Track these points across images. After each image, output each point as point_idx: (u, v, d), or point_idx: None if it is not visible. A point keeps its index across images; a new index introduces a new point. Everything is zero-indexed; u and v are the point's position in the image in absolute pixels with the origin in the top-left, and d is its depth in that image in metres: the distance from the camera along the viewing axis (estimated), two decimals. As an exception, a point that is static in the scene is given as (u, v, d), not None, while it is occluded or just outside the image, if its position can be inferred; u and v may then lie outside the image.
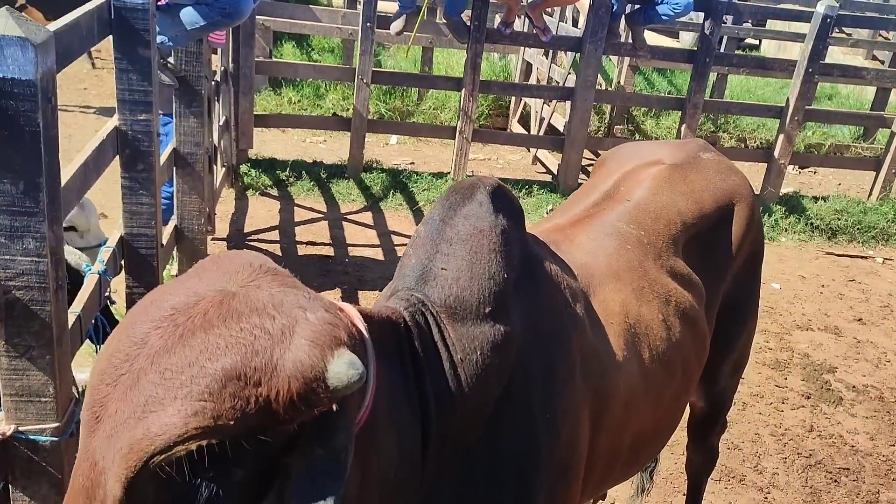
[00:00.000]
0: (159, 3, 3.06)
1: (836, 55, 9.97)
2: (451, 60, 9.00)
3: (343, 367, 0.94)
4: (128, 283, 2.69)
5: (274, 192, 5.78)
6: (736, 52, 10.00)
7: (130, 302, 2.67)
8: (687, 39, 12.77)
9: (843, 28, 10.08)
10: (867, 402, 4.06)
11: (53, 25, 1.98)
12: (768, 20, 10.92)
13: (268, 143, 6.81)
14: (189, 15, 2.96)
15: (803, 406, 3.98)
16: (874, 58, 10.56)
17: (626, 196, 2.14)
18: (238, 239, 4.99)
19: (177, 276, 3.97)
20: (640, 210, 2.09)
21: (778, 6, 7.31)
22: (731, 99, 9.00)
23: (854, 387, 4.18)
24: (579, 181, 6.48)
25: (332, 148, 7.14)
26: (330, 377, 0.93)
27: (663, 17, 5.75)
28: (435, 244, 1.49)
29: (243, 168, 5.81)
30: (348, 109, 7.48)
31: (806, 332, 4.74)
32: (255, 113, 5.82)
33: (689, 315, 2.04)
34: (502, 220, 1.53)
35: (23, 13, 5.34)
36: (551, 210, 6.02)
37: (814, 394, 4.08)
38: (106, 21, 2.37)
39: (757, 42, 12.36)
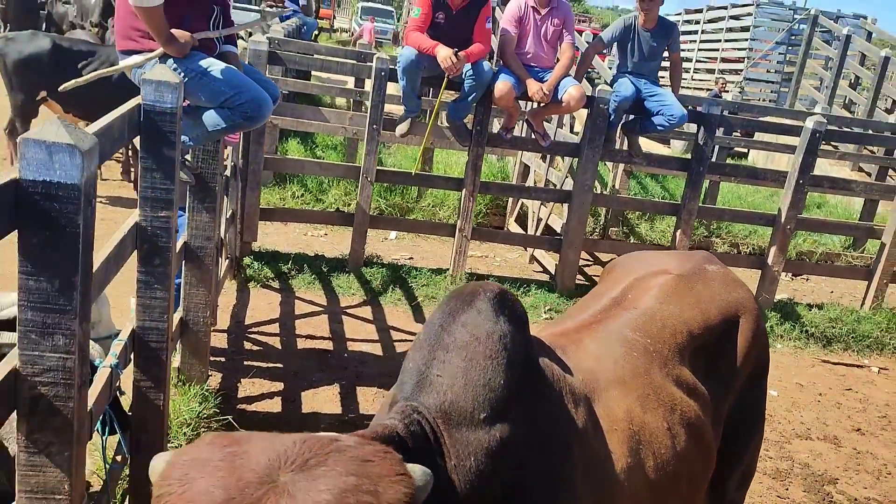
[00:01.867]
0: (183, 105, 3.19)
1: (824, 166, 10.30)
2: (449, 160, 9.29)
3: (421, 475, 1.13)
4: (136, 377, 2.69)
5: (275, 284, 5.83)
6: (727, 159, 10.33)
7: (138, 394, 2.67)
8: (678, 146, 13.24)
9: (832, 142, 10.46)
10: (870, 516, 4.01)
11: (91, 129, 2.06)
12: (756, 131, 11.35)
13: (270, 236, 6.91)
14: (211, 117, 3.08)
15: (805, 518, 3.93)
16: (860, 169, 10.91)
17: (633, 304, 2.19)
18: (238, 331, 5.00)
19: (178, 368, 3.97)
20: (647, 318, 2.14)
21: (766, 119, 7.60)
22: (723, 204, 9.25)
23: (856, 499, 4.13)
24: (577, 282, 6.57)
25: (332, 241, 7.25)
26: (418, 489, 1.11)
27: (658, 128, 5.98)
28: (432, 350, 1.55)
29: (246, 260, 5.88)
30: (350, 204, 7.65)
31: (805, 441, 4.71)
32: (260, 207, 5.93)
33: (695, 425, 2.06)
34: (502, 326, 1.59)
35: (43, 104, 5.46)
36: (549, 310, 6.07)
37: (816, 506, 4.03)
38: (136, 123, 2.47)
39: (745, 150, 12.78)
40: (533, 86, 5.66)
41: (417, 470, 1.13)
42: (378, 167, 5.98)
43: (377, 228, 6.82)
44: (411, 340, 5.33)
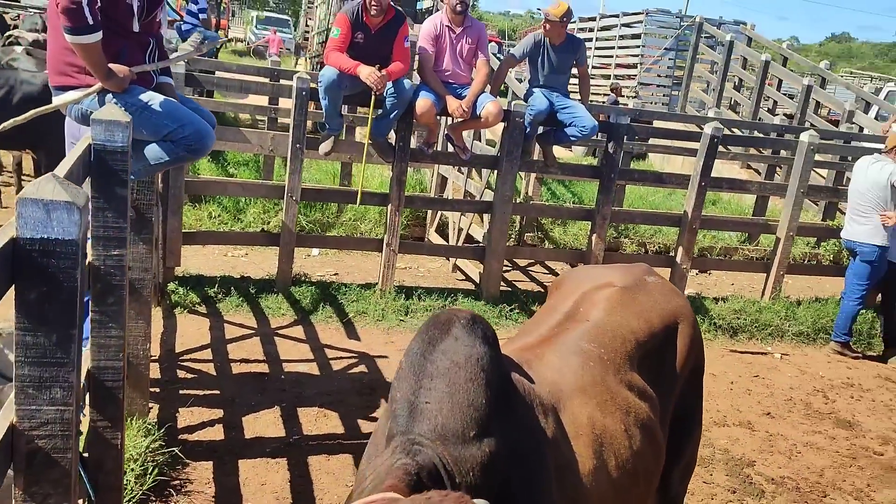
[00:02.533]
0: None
1: (716, 166, 10.97)
2: (365, 173, 9.35)
3: None
4: (92, 417, 2.66)
5: (202, 309, 5.75)
6: (631, 161, 10.87)
7: (95, 434, 2.65)
8: (579, 151, 13.76)
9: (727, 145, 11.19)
10: (786, 493, 4.36)
11: (59, 171, 2.05)
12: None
13: (189, 259, 6.78)
14: (153, 151, 3.07)
15: (731, 501, 4.23)
16: (749, 166, 11.69)
17: (585, 317, 2.37)
18: (170, 359, 4.92)
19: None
20: (599, 329, 2.32)
21: (669, 126, 8.06)
22: (628, 204, 9.73)
23: (773, 479, 4.48)
24: (501, 288, 6.78)
25: (254, 261, 7.19)
26: None
27: (571, 139, 6.27)
28: (418, 380, 1.67)
29: (171, 286, 5.77)
30: (269, 222, 7.60)
31: (723, 427, 5.06)
32: (183, 231, 5.85)
33: (647, 425, 2.25)
34: (477, 349, 1.73)
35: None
36: (477, 318, 6.24)
37: (738, 488, 4.35)
38: (87, 163, 2.46)
39: (644, 152, 13.44)
40: (452, 102, 5.83)
41: (482, 500, 1.28)
42: (304, 185, 6.00)
43: (303, 247, 6.82)
44: (347, 358, 5.40)
